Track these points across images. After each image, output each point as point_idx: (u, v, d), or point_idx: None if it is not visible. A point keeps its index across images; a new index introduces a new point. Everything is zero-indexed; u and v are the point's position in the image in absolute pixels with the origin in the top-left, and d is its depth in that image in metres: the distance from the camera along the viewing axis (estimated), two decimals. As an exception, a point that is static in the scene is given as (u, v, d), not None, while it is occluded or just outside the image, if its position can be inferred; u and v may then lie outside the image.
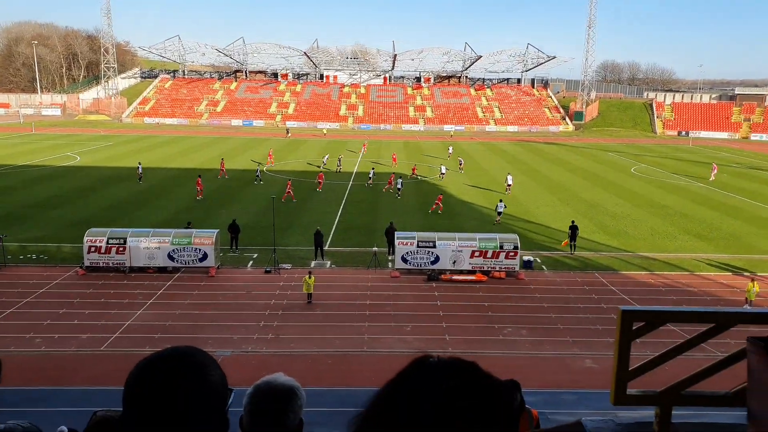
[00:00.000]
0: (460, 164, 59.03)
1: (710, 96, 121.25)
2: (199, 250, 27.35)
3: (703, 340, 2.42)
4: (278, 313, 23.15)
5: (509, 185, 47.35)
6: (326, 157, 61.60)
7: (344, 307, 23.88)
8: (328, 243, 32.43)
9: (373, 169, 52.57)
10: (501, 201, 38.75)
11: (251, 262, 29.16)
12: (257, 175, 50.02)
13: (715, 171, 56.04)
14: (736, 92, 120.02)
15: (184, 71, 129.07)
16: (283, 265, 28.19)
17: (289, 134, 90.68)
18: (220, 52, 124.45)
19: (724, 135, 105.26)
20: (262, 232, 32.94)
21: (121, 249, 27.16)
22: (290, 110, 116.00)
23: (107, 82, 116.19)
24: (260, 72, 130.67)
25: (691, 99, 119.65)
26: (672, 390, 2.54)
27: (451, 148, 72.42)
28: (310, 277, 24.05)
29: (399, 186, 45.29)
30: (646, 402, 2.54)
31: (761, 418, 2.23)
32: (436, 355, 1.28)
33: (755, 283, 24.99)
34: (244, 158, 63.70)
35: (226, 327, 21.67)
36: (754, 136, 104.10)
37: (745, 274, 28.62)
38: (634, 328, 2.33)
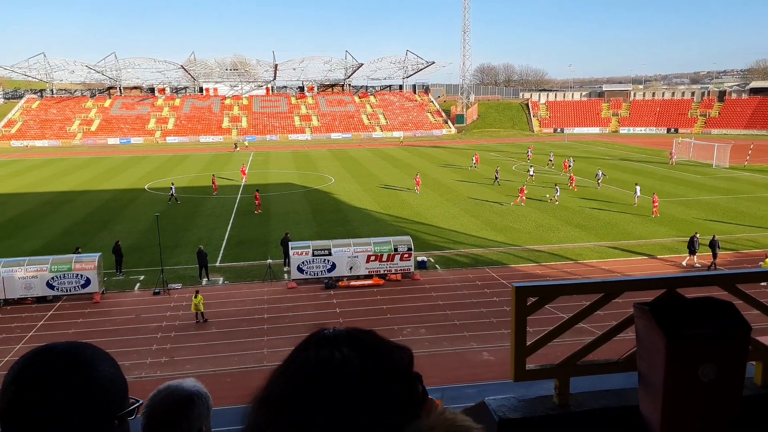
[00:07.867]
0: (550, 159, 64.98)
1: (581, 94, 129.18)
2: (81, 276, 25.63)
3: (594, 310, 2.54)
4: (171, 335, 22.13)
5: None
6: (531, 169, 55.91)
7: (240, 322, 23.22)
8: (219, 259, 31.46)
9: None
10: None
11: (138, 285, 27.71)
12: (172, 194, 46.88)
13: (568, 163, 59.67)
14: (604, 89, 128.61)
15: (52, 90, 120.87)
16: (173, 286, 26.97)
17: (238, 148, 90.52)
18: (91, 68, 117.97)
19: (595, 130, 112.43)
20: (148, 252, 31.48)
21: (-9, 281, 25.01)
22: (170, 125, 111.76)
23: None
24: (135, 88, 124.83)
25: (564, 97, 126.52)
26: (568, 362, 2.61)
27: (530, 150, 71.97)
28: (196, 297, 23.19)
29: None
30: (545, 375, 2.58)
31: (650, 380, 2.29)
32: (332, 326, 1.28)
33: None
34: (123, 177, 60.58)
35: (115, 354, 19.96)
36: (623, 130, 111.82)
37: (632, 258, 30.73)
38: (528, 304, 2.45)
